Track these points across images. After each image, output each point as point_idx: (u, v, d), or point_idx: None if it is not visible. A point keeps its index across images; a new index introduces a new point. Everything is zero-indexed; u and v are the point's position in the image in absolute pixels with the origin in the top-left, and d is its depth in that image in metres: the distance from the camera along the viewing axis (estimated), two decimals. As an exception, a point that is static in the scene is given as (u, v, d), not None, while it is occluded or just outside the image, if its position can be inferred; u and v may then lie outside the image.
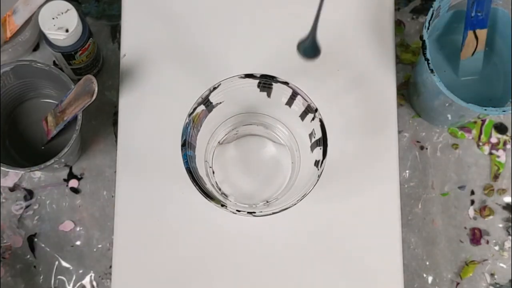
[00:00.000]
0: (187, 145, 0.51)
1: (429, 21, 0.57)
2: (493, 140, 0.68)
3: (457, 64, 0.63)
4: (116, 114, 0.68)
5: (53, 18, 0.58)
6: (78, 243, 0.66)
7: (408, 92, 0.69)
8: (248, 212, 0.50)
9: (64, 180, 0.67)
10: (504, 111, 0.56)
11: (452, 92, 0.56)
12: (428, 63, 0.56)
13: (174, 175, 0.57)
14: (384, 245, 0.58)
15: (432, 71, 0.56)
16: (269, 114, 0.58)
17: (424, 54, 0.56)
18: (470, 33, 0.60)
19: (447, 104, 0.60)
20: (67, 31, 0.59)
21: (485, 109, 0.56)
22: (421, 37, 0.57)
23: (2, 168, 0.57)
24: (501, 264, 0.67)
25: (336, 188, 0.59)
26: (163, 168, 0.59)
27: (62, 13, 0.59)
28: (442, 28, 0.64)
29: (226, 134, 0.59)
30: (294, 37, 0.61)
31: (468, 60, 0.63)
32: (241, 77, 0.52)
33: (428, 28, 0.57)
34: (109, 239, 0.66)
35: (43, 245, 0.66)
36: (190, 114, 0.51)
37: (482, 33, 0.61)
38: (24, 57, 0.68)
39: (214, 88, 0.52)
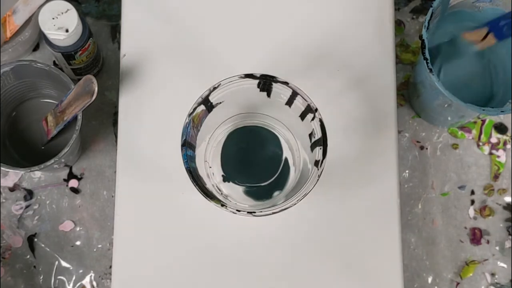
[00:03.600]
0: (187, 145, 0.51)
1: (429, 20, 0.57)
2: (493, 140, 0.68)
3: (456, 65, 0.63)
4: (116, 114, 0.68)
5: (53, 18, 0.58)
6: (78, 243, 0.66)
7: (408, 92, 0.69)
8: (248, 212, 0.50)
9: (64, 180, 0.67)
10: (503, 111, 0.55)
11: (451, 93, 0.56)
12: (427, 62, 0.56)
13: (174, 175, 0.57)
14: (384, 245, 0.58)
15: (431, 70, 0.56)
16: (269, 114, 0.58)
17: (423, 53, 0.56)
18: (484, 30, 0.61)
19: (446, 105, 0.60)
20: (67, 31, 0.59)
21: (484, 109, 0.56)
22: (421, 37, 0.57)
23: (2, 168, 0.57)
24: (502, 264, 0.67)
25: (336, 188, 0.59)
26: (163, 168, 0.59)
27: (62, 13, 0.59)
28: (442, 28, 0.64)
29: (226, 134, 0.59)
30: (294, 37, 0.61)
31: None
32: (241, 77, 0.52)
33: (427, 28, 0.57)
34: (109, 239, 0.66)
35: (43, 245, 0.66)
36: (190, 114, 0.51)
37: (491, 40, 0.61)
38: (24, 57, 0.68)
39: (214, 88, 0.52)
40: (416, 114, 0.68)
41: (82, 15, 0.63)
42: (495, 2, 0.60)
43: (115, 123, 0.68)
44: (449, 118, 0.64)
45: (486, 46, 0.62)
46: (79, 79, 0.57)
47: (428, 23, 0.57)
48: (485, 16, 0.62)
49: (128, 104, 0.60)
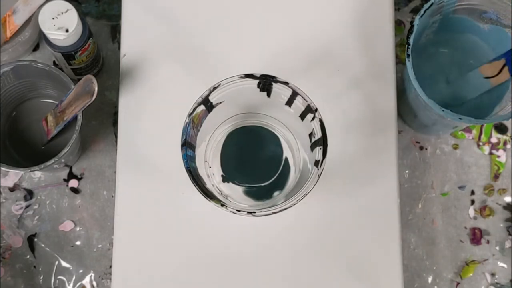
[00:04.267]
0: (187, 145, 0.51)
1: (426, 9, 0.55)
2: (493, 140, 0.68)
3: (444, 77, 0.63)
4: (116, 114, 0.68)
5: (53, 18, 0.58)
6: (78, 243, 0.66)
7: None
8: (248, 212, 0.50)
9: (64, 180, 0.67)
10: (498, 118, 0.54)
11: (444, 107, 0.54)
12: (408, 47, 0.54)
13: (174, 175, 0.57)
14: (383, 245, 0.58)
15: (408, 56, 0.54)
16: (269, 114, 0.58)
17: (408, 38, 0.54)
18: (501, 63, 0.57)
19: (432, 123, 0.59)
20: (67, 31, 0.59)
21: (460, 118, 0.54)
22: (411, 22, 0.55)
23: (2, 168, 0.57)
24: (502, 264, 0.67)
25: (335, 188, 0.59)
26: (163, 168, 0.59)
27: (62, 13, 0.59)
28: (442, 33, 0.63)
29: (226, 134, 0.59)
30: (294, 37, 0.61)
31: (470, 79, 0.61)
32: (241, 77, 0.52)
33: (422, 16, 0.55)
34: (109, 239, 0.66)
35: (43, 245, 0.66)
36: (190, 114, 0.51)
37: (505, 75, 0.57)
38: (24, 57, 0.68)
39: (214, 88, 0.52)
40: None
41: (82, 15, 0.63)
42: (500, 21, 0.58)
43: (115, 123, 0.68)
44: (440, 133, 0.64)
45: (500, 82, 0.58)
46: (79, 79, 0.57)
47: (424, 11, 0.55)
48: (489, 36, 0.60)
49: (128, 104, 0.60)
